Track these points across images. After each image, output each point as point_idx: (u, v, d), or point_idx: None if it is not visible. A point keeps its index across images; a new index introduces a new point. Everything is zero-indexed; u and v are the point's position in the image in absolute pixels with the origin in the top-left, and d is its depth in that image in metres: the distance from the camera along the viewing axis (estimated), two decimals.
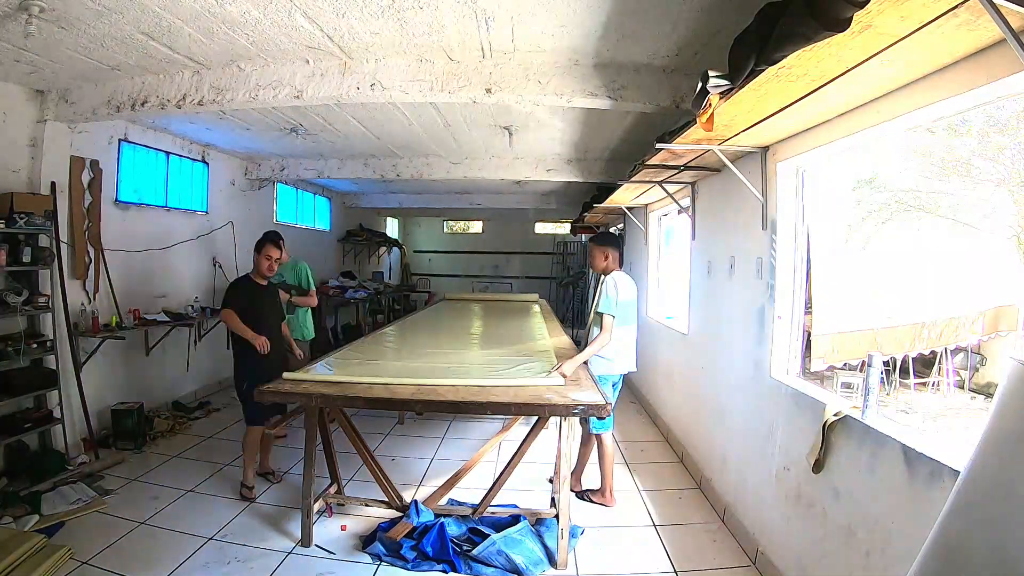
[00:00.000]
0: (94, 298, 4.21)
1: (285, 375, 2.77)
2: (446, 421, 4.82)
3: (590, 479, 3.49)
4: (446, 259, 13.76)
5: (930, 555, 1.15)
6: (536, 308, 6.62)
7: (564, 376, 2.84)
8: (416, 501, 2.94)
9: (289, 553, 2.73)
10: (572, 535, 2.80)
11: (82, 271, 4.10)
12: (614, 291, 3.11)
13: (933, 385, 5.16)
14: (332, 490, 3.19)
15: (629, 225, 6.67)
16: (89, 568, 2.52)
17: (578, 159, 5.91)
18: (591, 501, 3.32)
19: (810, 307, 3.03)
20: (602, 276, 3.30)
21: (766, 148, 2.73)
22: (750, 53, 1.61)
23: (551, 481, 3.44)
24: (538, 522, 2.92)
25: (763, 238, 2.78)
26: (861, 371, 3.78)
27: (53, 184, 3.79)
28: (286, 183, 7.57)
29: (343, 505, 3.18)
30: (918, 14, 1.24)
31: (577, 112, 4.08)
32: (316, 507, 2.89)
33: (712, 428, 3.53)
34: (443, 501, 3.09)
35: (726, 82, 1.83)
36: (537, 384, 2.75)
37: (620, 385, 3.40)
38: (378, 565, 2.65)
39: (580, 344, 4.00)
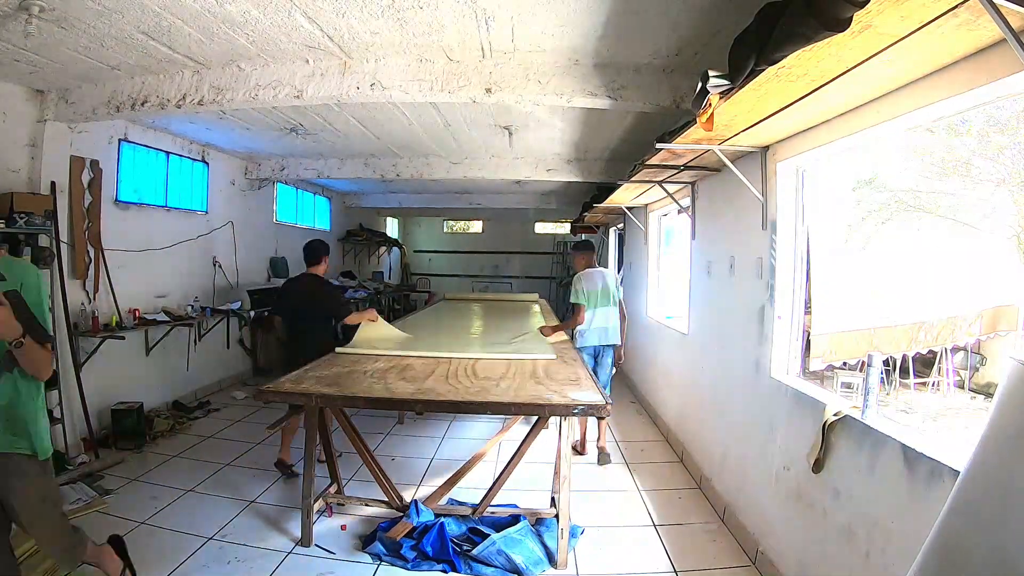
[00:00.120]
0: (94, 298, 4.21)
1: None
2: (446, 421, 4.82)
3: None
4: (446, 259, 13.77)
5: (930, 555, 1.15)
6: (536, 308, 6.61)
7: (545, 334, 4.01)
8: (416, 501, 2.94)
9: (289, 553, 2.73)
10: (572, 535, 2.80)
11: (82, 271, 4.10)
12: (579, 285, 4.12)
13: (933, 385, 5.16)
14: (332, 490, 3.19)
15: (629, 225, 6.67)
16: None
17: (578, 159, 5.91)
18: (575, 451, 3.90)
19: (810, 307, 3.04)
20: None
21: (766, 148, 2.73)
22: (750, 53, 1.61)
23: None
24: (538, 522, 2.93)
25: (763, 238, 2.78)
26: (861, 371, 3.79)
27: (53, 184, 3.79)
28: (286, 183, 7.58)
29: (343, 505, 3.18)
30: (918, 14, 1.24)
31: (577, 112, 4.09)
32: (316, 507, 2.89)
33: (712, 428, 3.53)
34: (443, 501, 3.09)
35: (726, 82, 1.83)
36: (534, 358, 3.26)
37: (604, 355, 4.14)
38: (378, 565, 2.65)
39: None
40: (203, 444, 4.27)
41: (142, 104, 3.39)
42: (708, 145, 2.70)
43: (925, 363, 5.22)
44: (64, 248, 3.89)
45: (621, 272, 7.53)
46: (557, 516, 2.70)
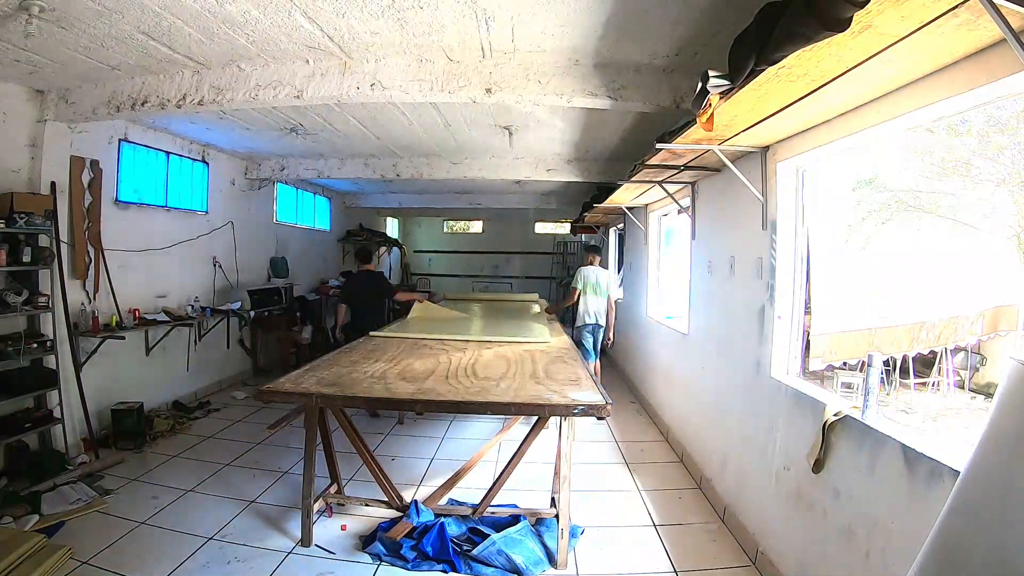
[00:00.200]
0: (94, 298, 4.21)
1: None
2: (446, 421, 4.83)
3: None
4: (446, 259, 13.77)
5: (930, 555, 1.15)
6: (536, 308, 6.64)
7: (548, 313, 5.85)
8: (416, 501, 2.94)
9: (289, 553, 2.73)
10: (572, 535, 2.81)
11: (82, 271, 4.10)
12: (578, 274, 5.48)
13: (933, 385, 5.16)
14: (332, 490, 3.19)
15: (629, 225, 6.67)
16: (89, 568, 2.52)
17: (578, 159, 5.91)
18: None
19: (810, 307, 3.04)
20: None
21: (766, 148, 2.73)
22: (750, 53, 1.61)
23: None
24: (538, 522, 2.93)
25: (763, 238, 2.78)
26: (861, 371, 3.79)
27: (53, 184, 3.79)
28: (286, 183, 7.57)
29: (343, 505, 3.18)
30: (918, 14, 1.24)
31: (577, 112, 4.09)
32: (316, 507, 2.89)
33: (712, 428, 3.53)
34: (443, 501, 3.09)
35: (726, 82, 1.83)
36: (533, 340, 3.69)
37: (597, 331, 5.43)
38: (378, 565, 2.65)
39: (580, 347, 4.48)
40: (203, 444, 4.27)
41: (142, 104, 3.39)
42: (708, 145, 2.70)
43: (925, 363, 5.21)
44: (64, 248, 3.89)
45: (621, 272, 7.55)
46: (557, 516, 2.70)
